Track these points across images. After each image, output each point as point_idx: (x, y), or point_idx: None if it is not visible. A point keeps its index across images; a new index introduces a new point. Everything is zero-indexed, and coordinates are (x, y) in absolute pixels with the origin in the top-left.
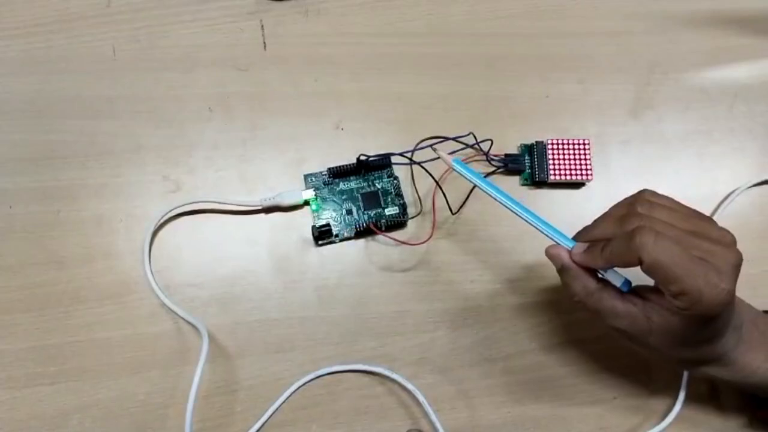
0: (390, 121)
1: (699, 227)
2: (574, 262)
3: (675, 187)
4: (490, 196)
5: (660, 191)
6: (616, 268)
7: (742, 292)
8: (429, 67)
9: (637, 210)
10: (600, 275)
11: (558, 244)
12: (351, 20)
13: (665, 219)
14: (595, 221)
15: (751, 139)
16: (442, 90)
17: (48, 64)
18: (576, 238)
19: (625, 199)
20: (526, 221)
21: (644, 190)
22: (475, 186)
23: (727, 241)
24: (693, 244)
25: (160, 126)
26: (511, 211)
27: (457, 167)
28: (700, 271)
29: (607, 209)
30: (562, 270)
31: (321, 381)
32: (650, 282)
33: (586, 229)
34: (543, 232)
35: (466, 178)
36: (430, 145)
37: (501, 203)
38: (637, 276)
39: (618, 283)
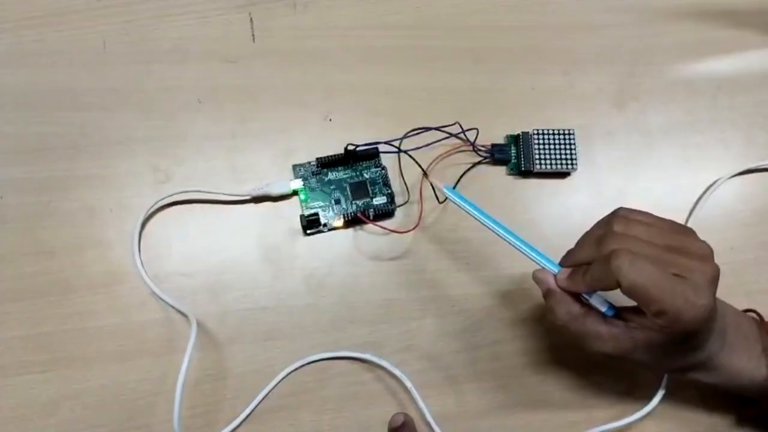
0: (378, 113)
1: (677, 241)
2: (559, 286)
3: (659, 177)
4: (482, 223)
5: (644, 181)
6: (600, 293)
7: (727, 279)
8: (416, 59)
9: (613, 229)
10: (584, 300)
11: (544, 268)
12: (339, 13)
13: (642, 236)
14: (577, 243)
15: (733, 129)
16: (429, 82)
17: (39, 57)
18: (561, 262)
19: (603, 218)
20: (515, 247)
21: (620, 208)
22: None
23: (704, 254)
24: (670, 261)
25: (150, 117)
26: (501, 237)
27: (450, 194)
28: (677, 290)
29: (588, 220)
30: (547, 294)
31: (310, 368)
32: (630, 303)
33: (569, 252)
34: (530, 258)
35: (458, 205)
36: (430, 182)
37: (492, 230)
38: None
39: (602, 308)
